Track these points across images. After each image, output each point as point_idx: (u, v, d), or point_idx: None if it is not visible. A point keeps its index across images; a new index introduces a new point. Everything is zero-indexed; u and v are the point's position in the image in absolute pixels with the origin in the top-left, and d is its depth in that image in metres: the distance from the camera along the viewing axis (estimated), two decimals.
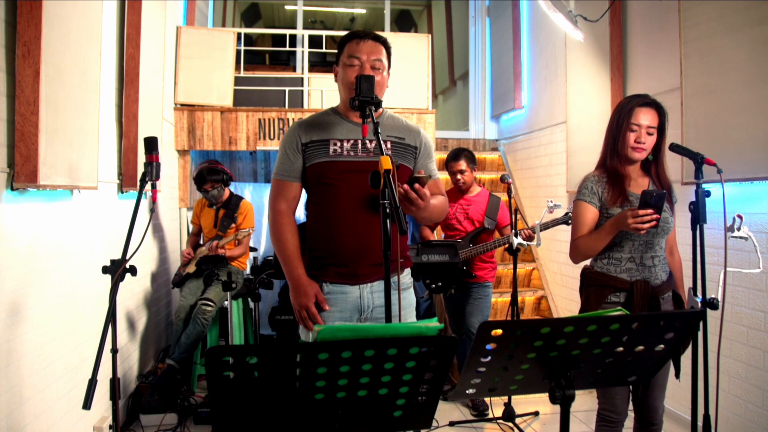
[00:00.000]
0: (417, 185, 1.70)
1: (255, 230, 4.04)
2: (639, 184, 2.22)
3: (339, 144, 1.94)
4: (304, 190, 2.05)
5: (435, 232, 4.00)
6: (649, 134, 2.14)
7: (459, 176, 3.69)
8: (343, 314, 1.94)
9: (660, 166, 2.22)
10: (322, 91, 5.10)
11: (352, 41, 1.94)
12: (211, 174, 3.88)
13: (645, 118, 2.14)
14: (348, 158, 1.93)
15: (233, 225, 3.95)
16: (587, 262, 2.28)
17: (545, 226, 3.43)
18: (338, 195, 1.91)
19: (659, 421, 2.22)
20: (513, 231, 3.44)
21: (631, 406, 2.22)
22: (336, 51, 2.01)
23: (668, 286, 2.19)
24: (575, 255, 2.23)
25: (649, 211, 1.96)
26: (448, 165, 3.75)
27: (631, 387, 2.16)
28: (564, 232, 3.49)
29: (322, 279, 1.95)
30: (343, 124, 1.97)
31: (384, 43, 1.97)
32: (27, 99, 2.06)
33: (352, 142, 1.94)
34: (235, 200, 4.04)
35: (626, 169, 2.21)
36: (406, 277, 2.03)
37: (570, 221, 3.36)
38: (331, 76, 2.09)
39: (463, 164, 3.67)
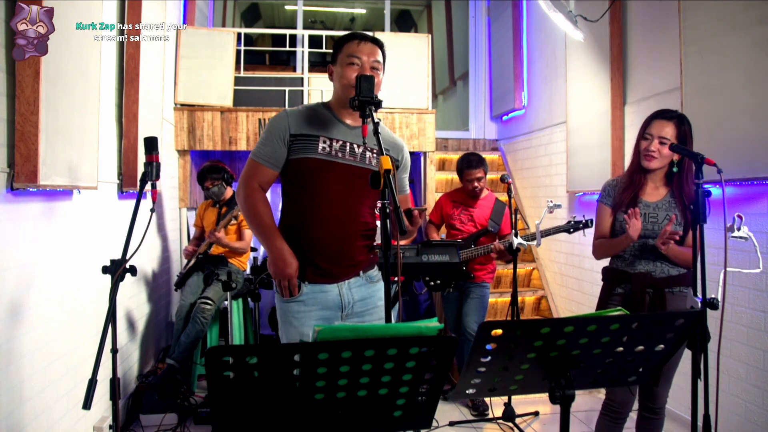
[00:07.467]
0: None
1: None
2: (658, 193, 2.31)
3: (328, 143, 1.93)
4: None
5: (439, 231, 3.99)
6: (662, 143, 2.22)
7: (476, 183, 3.66)
8: (325, 312, 1.95)
9: (684, 178, 2.25)
10: (322, 91, 5.10)
11: (353, 41, 1.94)
12: (212, 172, 4.03)
13: (658, 128, 2.23)
14: (335, 159, 1.92)
15: (234, 222, 4.00)
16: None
17: (547, 233, 3.43)
18: (319, 196, 1.91)
19: (660, 407, 2.28)
20: (513, 231, 3.44)
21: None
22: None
23: (678, 281, 2.26)
24: (595, 253, 2.43)
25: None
26: (463, 173, 3.71)
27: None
28: (564, 233, 3.50)
29: (299, 280, 1.95)
30: (335, 124, 1.97)
31: (381, 46, 1.98)
32: (27, 99, 2.06)
33: (341, 143, 1.94)
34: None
35: (642, 178, 2.30)
36: (376, 271, 2.08)
37: (572, 230, 3.43)
38: None
39: (481, 171, 3.65)
